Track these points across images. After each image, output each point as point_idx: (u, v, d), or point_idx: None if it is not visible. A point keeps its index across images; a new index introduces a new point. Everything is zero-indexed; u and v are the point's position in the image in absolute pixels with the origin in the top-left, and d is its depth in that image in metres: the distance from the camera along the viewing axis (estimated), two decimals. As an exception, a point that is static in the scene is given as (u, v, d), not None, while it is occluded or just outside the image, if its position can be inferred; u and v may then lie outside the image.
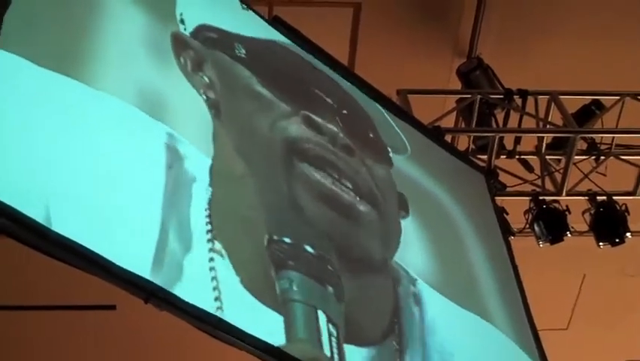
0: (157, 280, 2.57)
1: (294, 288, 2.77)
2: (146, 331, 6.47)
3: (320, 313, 2.78)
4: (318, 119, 3.30)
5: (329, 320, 2.79)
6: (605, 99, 5.83)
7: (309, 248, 2.91)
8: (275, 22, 4.20)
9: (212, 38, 3.39)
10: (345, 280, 2.97)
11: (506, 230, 5.12)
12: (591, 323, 7.57)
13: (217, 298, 2.67)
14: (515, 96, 5.78)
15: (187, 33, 3.28)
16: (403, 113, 4.98)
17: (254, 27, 3.70)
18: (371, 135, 3.79)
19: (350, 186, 3.23)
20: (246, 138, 3.15)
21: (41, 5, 2.85)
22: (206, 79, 3.20)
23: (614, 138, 5.82)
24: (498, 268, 4.52)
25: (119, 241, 2.56)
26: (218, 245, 2.75)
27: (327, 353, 2.75)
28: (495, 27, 6.10)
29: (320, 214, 3.10)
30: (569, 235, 5.62)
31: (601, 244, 5.72)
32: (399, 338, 3.22)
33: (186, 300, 2.66)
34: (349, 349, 2.94)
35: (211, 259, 2.72)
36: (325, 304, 2.83)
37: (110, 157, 2.71)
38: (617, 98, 5.80)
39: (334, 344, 2.78)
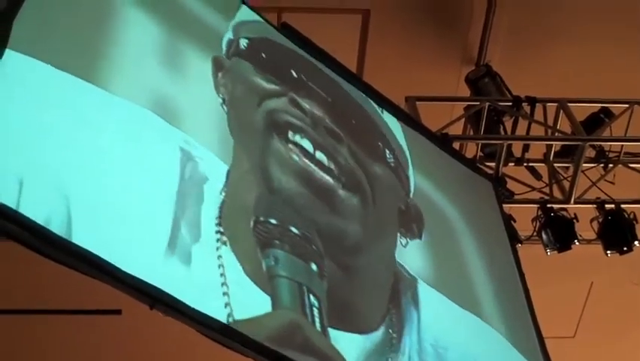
0: (168, 267, 2.65)
1: (279, 265, 2.88)
2: (151, 336, 6.47)
3: (304, 287, 2.89)
4: (305, 103, 3.36)
5: (311, 293, 2.90)
6: (614, 107, 5.82)
7: (293, 229, 3.00)
8: (284, 28, 4.20)
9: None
10: (328, 261, 3.08)
11: (514, 238, 5.11)
12: (598, 331, 7.54)
13: (224, 284, 2.77)
14: (524, 104, 5.78)
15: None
16: (411, 121, 4.97)
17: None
18: (372, 136, 3.80)
19: (326, 164, 3.27)
20: (243, 124, 3.22)
21: (56, 10, 2.91)
22: (223, 80, 3.30)
23: (622, 146, 5.82)
24: (503, 275, 4.51)
25: (133, 234, 2.63)
26: (224, 237, 2.86)
27: (310, 321, 2.86)
28: (504, 34, 6.10)
29: (296, 194, 3.16)
30: (577, 243, 5.61)
31: (609, 252, 5.71)
32: (396, 328, 3.30)
33: (192, 306, 2.69)
34: (344, 336, 3.04)
35: (218, 248, 2.83)
36: (309, 279, 2.94)
37: (126, 161, 2.78)
38: (626, 106, 5.80)
39: (316, 314, 2.88)
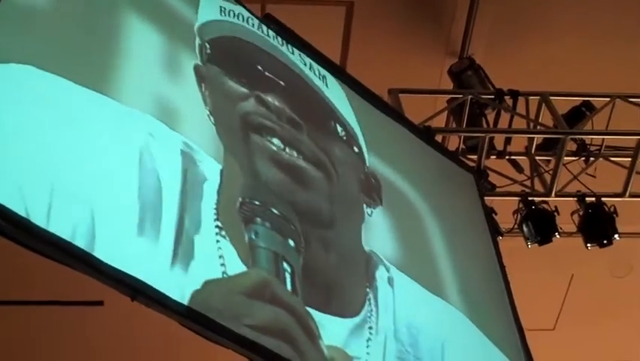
0: (177, 258, 2.85)
1: (259, 238, 3.15)
2: (134, 327, 6.46)
3: (279, 256, 3.16)
4: (268, 98, 3.65)
5: (285, 261, 3.16)
6: (596, 100, 5.84)
7: (274, 210, 3.28)
8: (267, 19, 4.20)
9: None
10: (307, 238, 3.34)
11: (495, 230, 5.13)
12: (578, 323, 7.59)
13: (224, 273, 3.02)
14: (506, 97, 5.80)
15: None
16: (393, 113, 4.99)
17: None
18: (324, 114, 4.02)
19: (295, 154, 3.56)
20: (226, 130, 3.47)
21: (65, 27, 3.11)
22: (206, 92, 3.55)
23: (603, 139, 5.85)
24: (483, 267, 4.55)
25: (144, 230, 2.82)
26: (222, 231, 3.11)
27: (281, 282, 3.11)
28: (487, 27, 6.11)
29: (276, 180, 3.45)
30: (558, 236, 5.63)
31: (589, 245, 5.75)
32: (374, 311, 3.52)
33: (173, 298, 2.77)
34: (331, 320, 3.27)
35: (218, 241, 3.07)
36: (285, 250, 3.20)
37: (126, 161, 2.95)
38: (608, 99, 5.82)
39: (288, 278, 3.13)
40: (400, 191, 4.30)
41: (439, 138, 5.59)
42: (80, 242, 2.60)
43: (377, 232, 3.92)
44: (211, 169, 3.24)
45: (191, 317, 2.81)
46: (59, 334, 6.87)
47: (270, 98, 3.65)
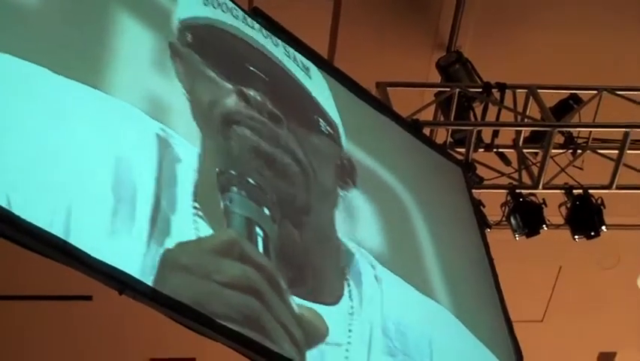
0: (152, 238, 2.89)
1: (234, 204, 3.22)
2: (122, 322, 6.46)
3: (253, 221, 3.22)
4: (250, 92, 3.67)
5: (258, 226, 3.22)
6: (583, 93, 5.87)
7: (250, 179, 3.35)
8: (255, 13, 4.20)
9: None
10: (282, 218, 3.40)
11: (483, 223, 5.15)
12: (566, 315, 7.63)
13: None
14: (494, 90, 5.82)
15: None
16: (381, 106, 4.99)
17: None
18: (306, 107, 4.06)
19: (274, 148, 3.60)
20: (202, 116, 3.50)
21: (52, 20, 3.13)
22: (181, 68, 3.56)
23: (591, 132, 5.88)
24: (472, 260, 4.57)
25: (121, 209, 2.85)
26: (199, 212, 3.15)
27: (254, 245, 3.16)
28: (474, 21, 6.13)
29: (253, 165, 3.49)
30: (545, 228, 5.66)
31: (576, 237, 5.78)
32: (355, 300, 3.57)
33: (161, 291, 2.79)
34: (311, 305, 3.31)
35: (195, 222, 3.11)
36: (259, 217, 3.25)
37: (105, 151, 2.97)
38: (595, 92, 5.85)
39: (260, 241, 3.19)
40: (385, 184, 4.32)
41: (426, 131, 5.61)
42: (58, 231, 2.62)
43: (361, 223, 3.95)
44: (188, 153, 3.27)
45: (157, 299, 2.83)
46: (48, 329, 6.86)
47: (251, 93, 3.67)
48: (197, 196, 3.17)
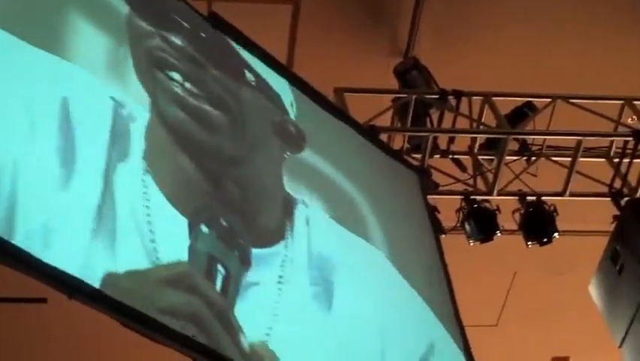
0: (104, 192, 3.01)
1: (200, 240, 3.30)
2: (78, 324, 6.40)
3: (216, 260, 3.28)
4: (171, 36, 3.76)
5: (223, 265, 3.29)
6: (537, 101, 5.94)
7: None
8: (213, 18, 4.21)
9: None
10: (218, 180, 3.59)
11: (437, 228, 5.19)
12: (520, 320, 7.71)
13: (148, 215, 3.19)
14: (450, 97, 5.87)
15: None
16: (338, 112, 5.02)
17: None
18: (232, 62, 4.13)
19: (195, 90, 3.68)
20: (137, 64, 3.59)
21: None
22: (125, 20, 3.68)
23: (545, 139, 5.95)
24: (424, 265, 4.61)
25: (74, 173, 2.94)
26: (148, 167, 3.31)
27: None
28: (432, 28, 6.19)
29: (181, 122, 3.58)
30: (499, 234, 5.71)
31: (529, 243, 5.84)
32: (290, 242, 3.74)
33: (113, 297, 2.81)
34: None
35: (143, 173, 3.26)
36: (224, 256, 3.32)
37: (54, 117, 3.05)
38: (549, 100, 5.93)
39: (220, 279, 3.25)
40: (340, 188, 4.35)
41: (383, 137, 5.64)
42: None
43: (308, 185, 4.07)
44: (138, 115, 3.39)
45: (100, 299, 2.84)
46: (2, 331, 6.79)
47: (172, 38, 3.74)
48: (146, 152, 3.30)
